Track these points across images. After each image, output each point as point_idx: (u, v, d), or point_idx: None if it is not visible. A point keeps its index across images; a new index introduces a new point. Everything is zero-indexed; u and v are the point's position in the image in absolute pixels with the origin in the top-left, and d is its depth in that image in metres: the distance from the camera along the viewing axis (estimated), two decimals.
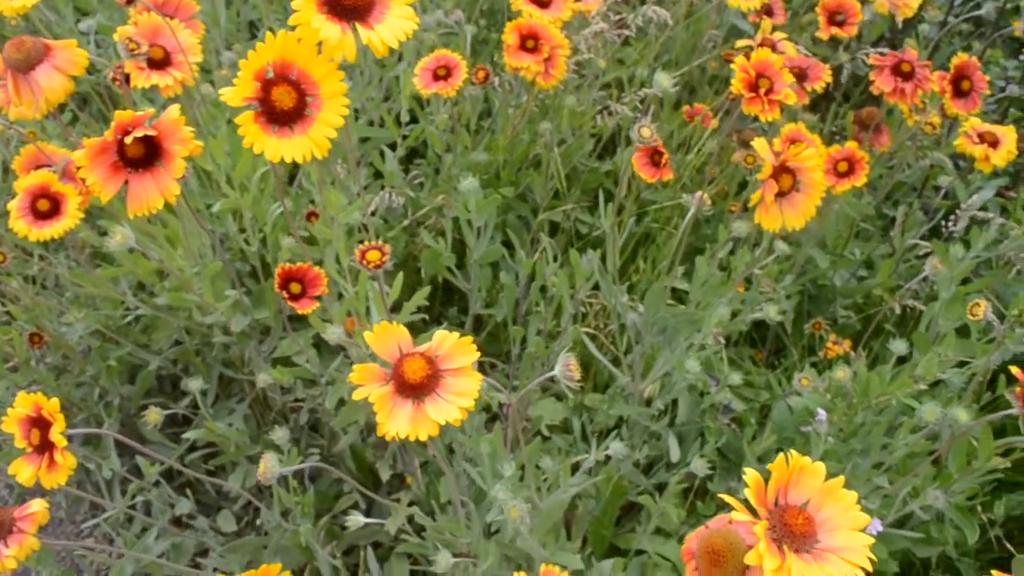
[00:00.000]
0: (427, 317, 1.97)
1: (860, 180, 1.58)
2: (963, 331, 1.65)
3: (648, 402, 1.68)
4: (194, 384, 1.59)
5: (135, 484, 1.64)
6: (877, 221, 2.14)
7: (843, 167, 1.59)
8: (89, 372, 1.87)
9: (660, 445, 1.74)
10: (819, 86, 1.70)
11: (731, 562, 0.89)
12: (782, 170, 1.25)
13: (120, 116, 1.04)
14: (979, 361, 1.46)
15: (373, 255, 1.18)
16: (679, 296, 1.81)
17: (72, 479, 1.86)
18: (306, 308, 1.32)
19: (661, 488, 1.70)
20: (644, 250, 1.94)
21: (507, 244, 1.91)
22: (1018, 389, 1.18)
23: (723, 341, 1.55)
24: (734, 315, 1.61)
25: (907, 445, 1.38)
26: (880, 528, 1.42)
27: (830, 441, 1.37)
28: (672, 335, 1.55)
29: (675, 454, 1.59)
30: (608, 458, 1.79)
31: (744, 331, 2.01)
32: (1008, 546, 1.70)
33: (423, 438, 0.92)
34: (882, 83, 1.61)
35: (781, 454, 0.86)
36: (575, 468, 1.40)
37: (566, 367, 1.15)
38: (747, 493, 0.84)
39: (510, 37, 1.58)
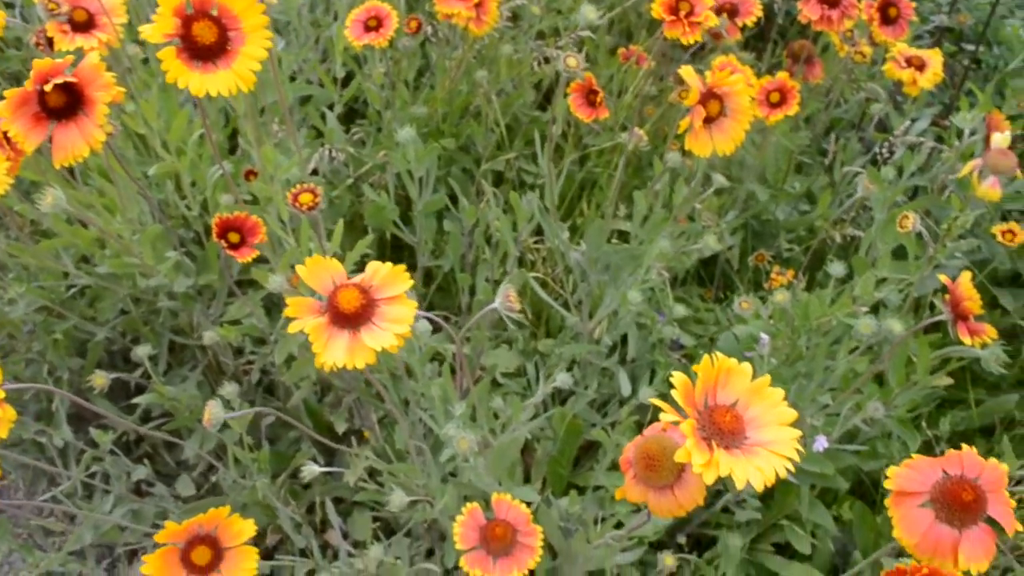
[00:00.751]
0: None
1: (792, 109, 1.60)
2: (901, 253, 1.69)
3: (599, 341, 1.70)
4: (142, 350, 1.58)
5: (89, 453, 1.63)
6: (817, 156, 2.17)
7: (775, 97, 1.61)
8: (36, 348, 1.85)
9: (613, 384, 1.77)
10: (750, 20, 1.71)
11: (665, 465, 0.91)
12: (709, 96, 1.26)
13: (38, 65, 1.03)
14: (914, 278, 1.49)
15: (306, 197, 1.18)
16: (626, 238, 1.83)
17: (28, 456, 1.86)
18: (246, 256, 1.32)
19: (616, 426, 1.72)
20: (588, 194, 1.96)
21: (452, 198, 1.92)
22: (947, 296, 1.21)
23: (666, 275, 1.58)
24: (676, 250, 1.63)
25: (848, 362, 1.41)
26: (826, 444, 1.46)
27: (773, 363, 1.40)
28: (616, 272, 1.57)
29: (626, 389, 1.61)
30: (564, 400, 1.83)
31: (692, 270, 2.04)
32: None
33: (360, 366, 0.93)
34: (809, 11, 1.63)
35: (706, 356, 0.88)
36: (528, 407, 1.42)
37: (506, 298, 1.16)
38: (675, 395, 0.86)
39: None
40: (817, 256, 1.95)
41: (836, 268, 1.50)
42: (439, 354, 1.91)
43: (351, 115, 2.17)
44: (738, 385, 0.89)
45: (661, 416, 0.86)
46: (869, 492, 1.72)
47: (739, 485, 0.81)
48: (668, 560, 1.23)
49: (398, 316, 0.95)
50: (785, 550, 1.71)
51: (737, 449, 0.85)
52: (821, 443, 1.44)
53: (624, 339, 1.72)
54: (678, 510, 0.93)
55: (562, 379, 1.28)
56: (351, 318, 0.94)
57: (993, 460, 0.85)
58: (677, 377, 0.87)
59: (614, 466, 1.71)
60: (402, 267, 0.98)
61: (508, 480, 1.60)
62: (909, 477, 0.86)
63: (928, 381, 1.56)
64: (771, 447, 0.85)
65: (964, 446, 0.88)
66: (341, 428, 1.68)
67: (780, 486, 1.65)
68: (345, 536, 1.75)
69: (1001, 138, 1.23)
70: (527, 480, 1.76)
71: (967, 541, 0.82)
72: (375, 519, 1.77)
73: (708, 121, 1.28)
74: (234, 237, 1.33)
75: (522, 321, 1.90)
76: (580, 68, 1.23)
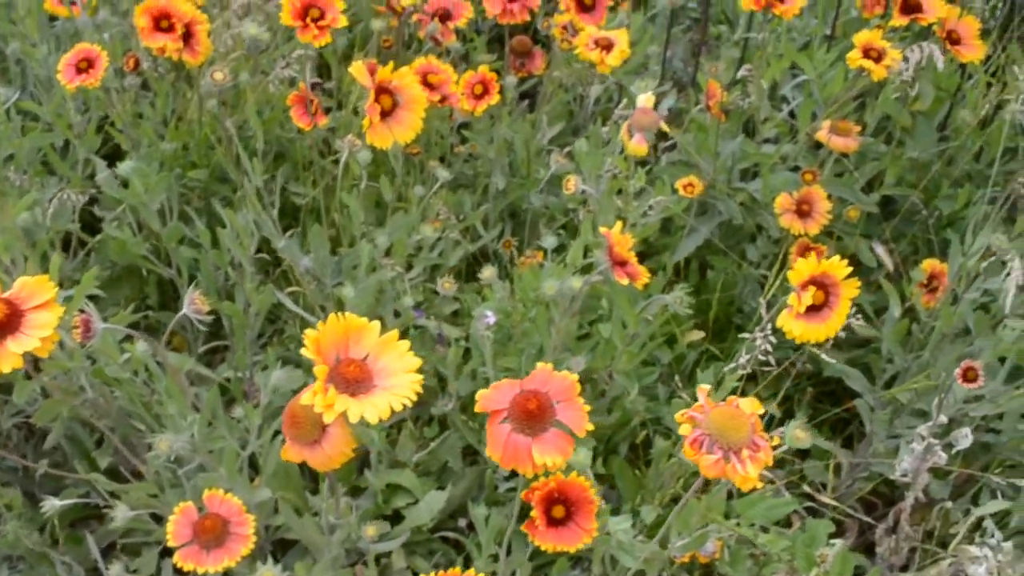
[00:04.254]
0: (149, 313, 2.00)
1: (494, 99, 1.71)
2: None
3: None
4: None
5: None
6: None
7: (479, 89, 1.72)
8: None
9: None
10: (462, 22, 1.83)
11: (308, 421, 0.99)
12: (381, 91, 1.35)
13: None
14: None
15: None
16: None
17: None
18: None
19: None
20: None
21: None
22: (607, 245, 1.32)
23: (400, 269, 1.65)
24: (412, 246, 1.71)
25: (557, 327, 1.51)
26: None
27: (490, 336, 1.49)
28: (350, 274, 1.64)
29: None
30: None
31: (462, 267, 2.14)
32: None
33: (7, 370, 0.97)
34: (491, 7, 1.74)
35: (333, 315, 0.96)
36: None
37: (191, 303, 1.22)
38: (305, 352, 0.93)
39: (141, 20, 1.62)
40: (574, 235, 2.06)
41: (548, 241, 1.61)
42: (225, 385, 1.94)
43: (112, 158, 2.19)
44: (368, 340, 0.97)
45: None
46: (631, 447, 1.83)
47: (352, 419, 0.89)
48: (371, 531, 1.30)
49: (43, 322, 1.00)
50: None
51: (364, 394, 0.93)
52: None
53: None
54: (330, 463, 1.00)
55: (276, 376, 1.33)
56: None
57: (564, 372, 0.96)
58: (308, 333, 0.94)
59: (395, 464, 1.78)
60: (45, 277, 1.03)
61: (289, 491, 1.64)
62: (491, 397, 0.95)
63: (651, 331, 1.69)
64: (392, 389, 0.93)
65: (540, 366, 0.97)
66: (103, 464, 1.69)
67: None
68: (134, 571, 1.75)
69: (644, 98, 1.35)
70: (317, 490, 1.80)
71: (538, 444, 0.92)
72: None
73: (387, 114, 1.36)
74: None
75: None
76: (227, 81, 1.30)
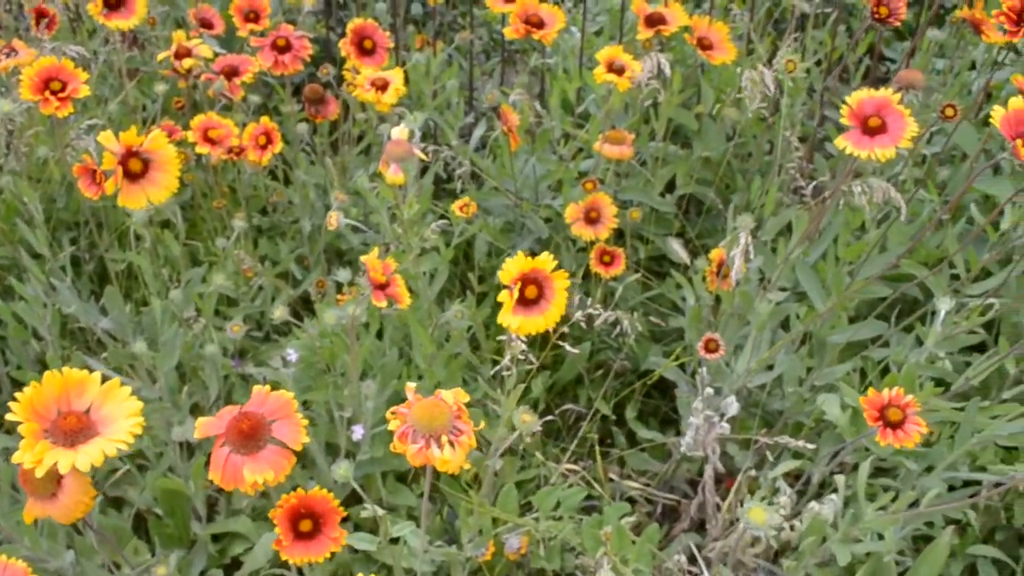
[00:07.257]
0: None
1: (277, 148, 1.78)
2: None
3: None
4: None
5: None
6: None
7: (263, 140, 1.78)
8: None
9: None
10: (248, 78, 1.90)
11: (34, 480, 1.02)
12: (130, 155, 1.39)
13: None
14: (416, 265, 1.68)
15: None
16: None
17: None
18: None
19: None
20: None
21: None
22: (365, 271, 1.38)
23: (203, 320, 1.69)
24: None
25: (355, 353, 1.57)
26: (362, 432, 1.60)
27: (289, 373, 1.54)
28: (154, 330, 1.68)
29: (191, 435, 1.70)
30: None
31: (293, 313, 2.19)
32: None
33: None
34: (263, 59, 1.82)
35: (48, 372, 1.00)
36: None
37: None
38: (11, 416, 0.96)
39: None
40: None
41: (341, 274, 1.66)
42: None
43: None
44: (91, 391, 1.01)
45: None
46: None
47: (63, 470, 0.93)
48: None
49: None
50: None
51: (83, 444, 0.97)
52: (358, 432, 1.59)
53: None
54: (70, 514, 1.04)
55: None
56: None
57: (281, 391, 1.01)
58: (19, 395, 0.98)
59: (233, 512, 1.81)
60: None
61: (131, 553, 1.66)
62: (210, 423, 1.00)
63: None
64: (109, 435, 0.97)
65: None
66: None
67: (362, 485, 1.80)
68: None
69: (398, 130, 1.43)
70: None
71: (251, 462, 0.97)
72: None
73: (139, 176, 1.41)
74: None
75: None
76: None
